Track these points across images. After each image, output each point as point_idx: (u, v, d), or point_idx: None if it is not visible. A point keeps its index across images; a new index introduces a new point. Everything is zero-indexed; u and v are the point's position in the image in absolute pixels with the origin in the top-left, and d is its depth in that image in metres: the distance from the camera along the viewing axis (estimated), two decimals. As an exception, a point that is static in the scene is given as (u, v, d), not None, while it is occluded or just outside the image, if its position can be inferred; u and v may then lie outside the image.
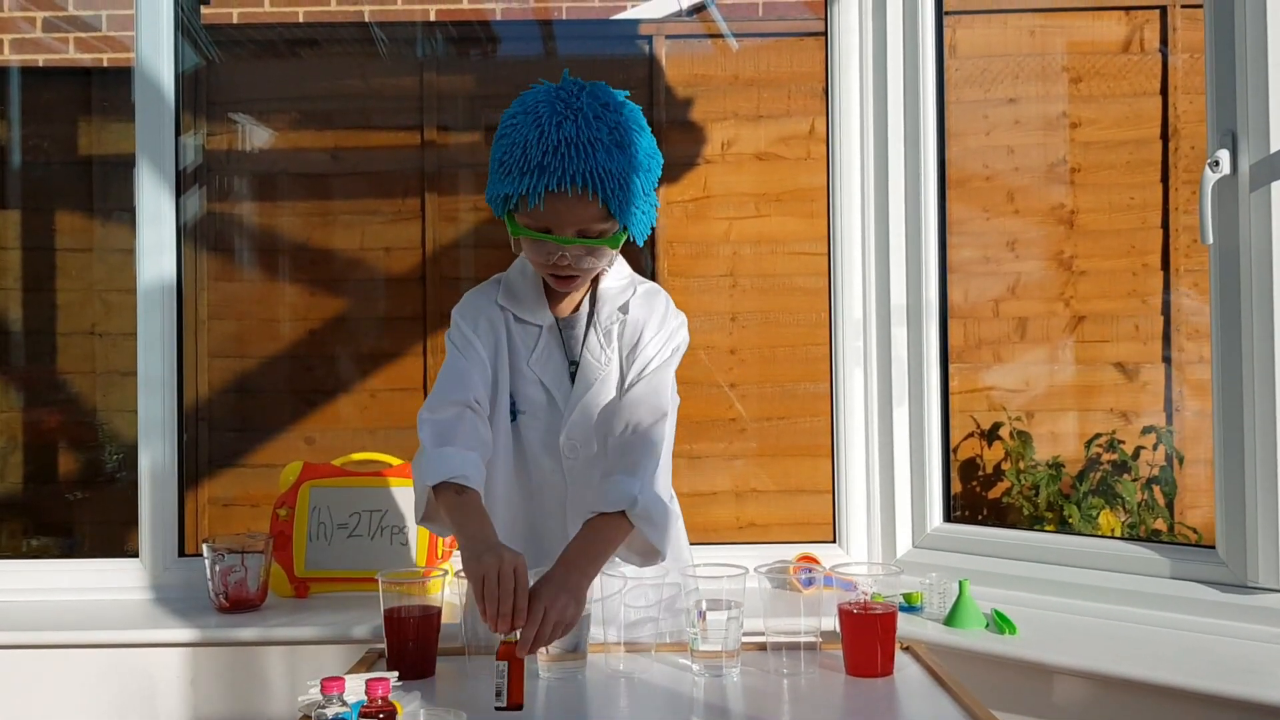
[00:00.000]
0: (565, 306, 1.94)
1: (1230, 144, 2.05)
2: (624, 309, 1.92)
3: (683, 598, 1.79)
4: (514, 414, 1.92)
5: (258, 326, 3.36)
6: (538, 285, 1.92)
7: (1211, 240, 2.07)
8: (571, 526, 1.88)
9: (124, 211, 3.10)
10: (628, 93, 1.84)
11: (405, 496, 2.56)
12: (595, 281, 1.94)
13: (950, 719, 1.60)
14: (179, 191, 2.69)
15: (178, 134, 2.68)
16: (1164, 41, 3.40)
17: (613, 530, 1.76)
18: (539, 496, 1.94)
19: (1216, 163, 2.04)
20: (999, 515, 3.35)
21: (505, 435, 1.92)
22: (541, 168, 1.72)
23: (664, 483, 1.89)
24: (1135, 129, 3.38)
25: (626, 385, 1.89)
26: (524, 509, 1.95)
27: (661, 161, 1.86)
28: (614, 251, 1.88)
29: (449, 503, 1.75)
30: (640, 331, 1.91)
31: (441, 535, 1.83)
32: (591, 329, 1.93)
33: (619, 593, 1.81)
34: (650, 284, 1.99)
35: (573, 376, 1.92)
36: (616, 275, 1.95)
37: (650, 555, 1.82)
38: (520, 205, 1.77)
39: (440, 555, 2.52)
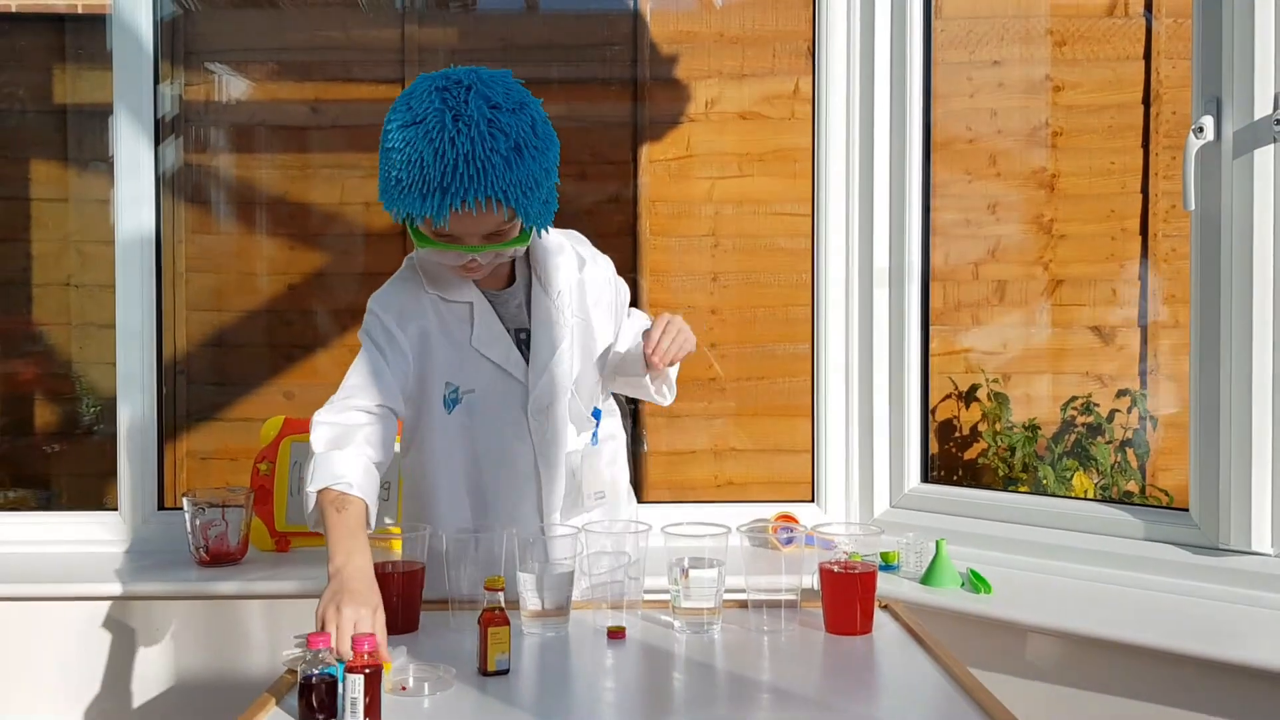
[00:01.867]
0: (490, 281, 1.94)
1: (1214, 110, 2.05)
2: (580, 269, 1.99)
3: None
4: (458, 398, 1.91)
5: (236, 280, 3.34)
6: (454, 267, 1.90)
7: (1194, 206, 2.08)
8: (545, 489, 1.93)
9: (100, 161, 3.06)
10: (509, 72, 1.80)
11: (386, 452, 2.56)
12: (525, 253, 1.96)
13: (928, 676, 1.62)
14: (156, 142, 2.65)
15: (157, 83, 2.65)
16: (1148, 6, 3.39)
17: None
18: (500, 470, 1.94)
19: (1200, 129, 2.05)
20: (974, 476, 3.38)
21: (446, 422, 1.91)
22: (443, 189, 1.69)
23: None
24: (1117, 93, 3.38)
25: (603, 332, 2.01)
26: (480, 488, 1.95)
27: (555, 137, 1.82)
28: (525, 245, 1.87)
29: (328, 517, 1.70)
30: (589, 290, 2.00)
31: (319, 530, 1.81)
32: (537, 294, 1.94)
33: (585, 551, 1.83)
34: (569, 234, 2.04)
35: (521, 345, 1.93)
36: (543, 245, 1.95)
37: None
38: (437, 225, 1.75)
39: (421, 511, 2.53)
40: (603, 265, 2.06)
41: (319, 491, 1.74)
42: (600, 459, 2.00)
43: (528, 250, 1.95)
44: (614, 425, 2.11)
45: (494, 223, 1.76)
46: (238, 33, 3.42)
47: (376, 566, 1.79)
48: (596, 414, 2.02)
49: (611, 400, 2.13)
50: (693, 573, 1.77)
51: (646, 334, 1.90)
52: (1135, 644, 1.93)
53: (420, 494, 1.98)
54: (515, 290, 1.95)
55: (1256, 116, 2.01)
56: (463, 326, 1.91)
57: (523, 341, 1.93)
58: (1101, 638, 1.97)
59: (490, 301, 1.93)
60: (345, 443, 1.78)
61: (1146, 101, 3.36)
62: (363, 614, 1.57)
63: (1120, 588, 2.17)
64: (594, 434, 2.01)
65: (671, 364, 1.92)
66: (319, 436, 1.80)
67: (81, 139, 3.33)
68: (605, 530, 1.86)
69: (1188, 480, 2.15)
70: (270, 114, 3.36)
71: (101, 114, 2.70)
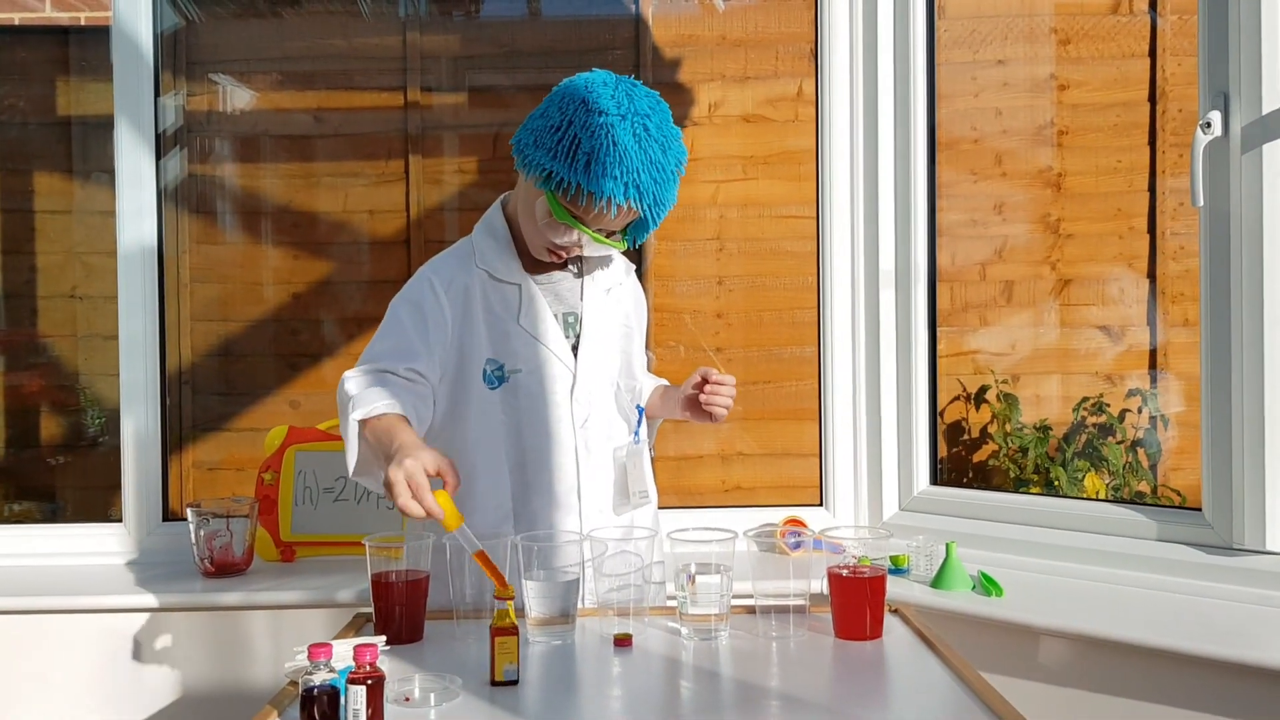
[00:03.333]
0: (539, 266, 1.98)
1: (1222, 105, 2.03)
2: (621, 274, 2.05)
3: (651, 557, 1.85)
4: (504, 376, 1.92)
5: (241, 290, 3.33)
6: (510, 246, 1.97)
7: (1202, 202, 2.06)
8: (585, 477, 1.94)
9: (103, 173, 3.05)
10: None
11: (391, 461, 2.55)
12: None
13: (939, 680, 1.60)
14: (159, 154, 2.65)
15: (157, 95, 2.64)
16: (1152, 4, 3.37)
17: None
18: (543, 452, 1.94)
19: (1208, 124, 2.03)
20: (984, 478, 3.35)
21: (489, 398, 1.92)
22: (635, 184, 1.80)
23: None
24: (1123, 91, 3.36)
25: (640, 351, 2.10)
26: (522, 469, 1.94)
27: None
28: None
29: (369, 433, 1.75)
30: (634, 306, 2.09)
31: (374, 488, 1.83)
32: (589, 285, 2.00)
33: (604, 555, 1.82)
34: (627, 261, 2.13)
35: (567, 328, 1.96)
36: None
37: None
38: (577, 197, 1.82)
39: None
40: (638, 286, 2.15)
41: (360, 423, 1.77)
42: (643, 458, 2.05)
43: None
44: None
45: (621, 224, 1.89)
46: (240, 43, 3.41)
47: (379, 576, 1.78)
48: (640, 410, 2.06)
49: None
50: (699, 579, 1.75)
51: (705, 378, 1.99)
52: (1149, 646, 1.91)
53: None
54: (565, 276, 1.99)
55: (1265, 111, 1.99)
56: (509, 305, 1.94)
57: (569, 325, 1.97)
58: (1115, 639, 1.95)
59: (541, 283, 1.97)
60: (381, 383, 1.81)
61: (1153, 99, 3.33)
62: (423, 457, 1.63)
63: (1133, 589, 2.15)
64: (636, 432, 2.04)
65: (718, 417, 2.01)
66: (352, 384, 1.82)
67: (85, 151, 3.33)
68: (612, 537, 1.84)
69: (1199, 481, 2.13)
70: (273, 123, 3.35)
71: (105, 126, 2.69)
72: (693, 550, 1.77)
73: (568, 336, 1.96)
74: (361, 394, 1.78)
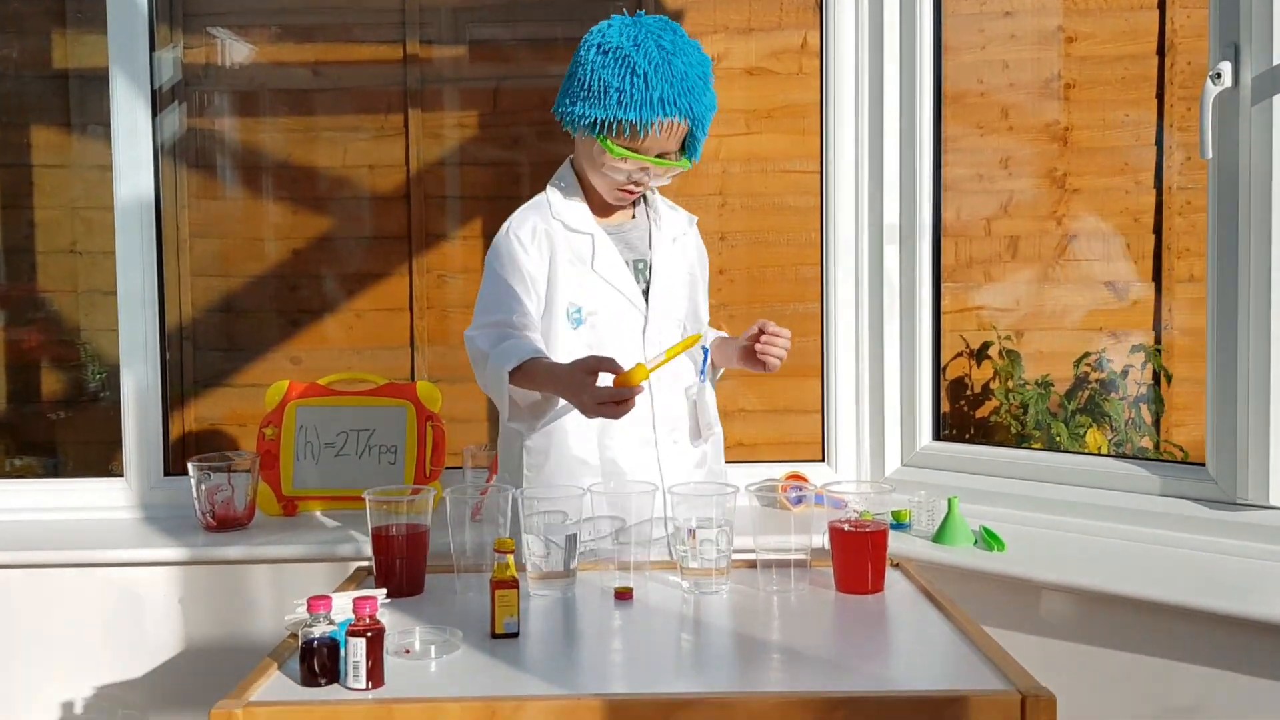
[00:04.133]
0: (608, 216, 2.11)
1: (1232, 56, 2.00)
2: (687, 224, 2.18)
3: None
4: (581, 319, 2.04)
5: (241, 245, 3.31)
6: (581, 198, 2.09)
7: (1211, 154, 2.03)
8: (659, 413, 2.04)
9: (100, 126, 3.03)
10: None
11: (393, 416, 2.54)
12: (645, 196, 2.15)
13: (941, 634, 1.60)
14: (157, 107, 2.62)
15: (152, 48, 2.61)
16: (1162, -46, 3.32)
17: None
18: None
19: (1218, 75, 2.00)
20: (986, 434, 3.35)
21: (571, 339, 2.03)
22: (662, 100, 1.92)
23: None
24: (1131, 44, 3.31)
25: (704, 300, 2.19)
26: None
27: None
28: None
29: (523, 380, 1.89)
30: (693, 248, 2.20)
31: (530, 429, 2.00)
32: (656, 234, 2.11)
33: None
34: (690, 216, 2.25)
35: (637, 274, 2.08)
36: (660, 195, 2.18)
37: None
38: (622, 131, 1.95)
39: (428, 474, 2.51)
40: (700, 239, 2.25)
41: (511, 373, 1.89)
42: (709, 393, 2.15)
43: (646, 197, 2.15)
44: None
45: (675, 140, 1.98)
46: (237, -5, 3.38)
47: (379, 529, 1.78)
48: (705, 351, 2.14)
49: None
50: (700, 533, 1.75)
51: (762, 329, 2.06)
52: (1151, 600, 1.91)
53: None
54: (636, 225, 2.13)
55: (1276, 62, 1.96)
56: (584, 253, 2.06)
57: (639, 271, 2.08)
58: (1117, 594, 1.95)
59: (611, 232, 2.09)
60: (508, 336, 1.96)
61: (1161, 52, 3.29)
62: (581, 380, 1.78)
63: (1136, 544, 2.15)
64: (703, 372, 2.14)
65: (772, 367, 2.07)
66: (479, 343, 1.97)
67: (82, 105, 3.29)
68: (612, 491, 1.84)
69: (1202, 436, 2.12)
70: (272, 77, 3.32)
71: (101, 79, 2.67)
72: (693, 504, 1.77)
73: (638, 281, 2.07)
74: (496, 349, 1.92)
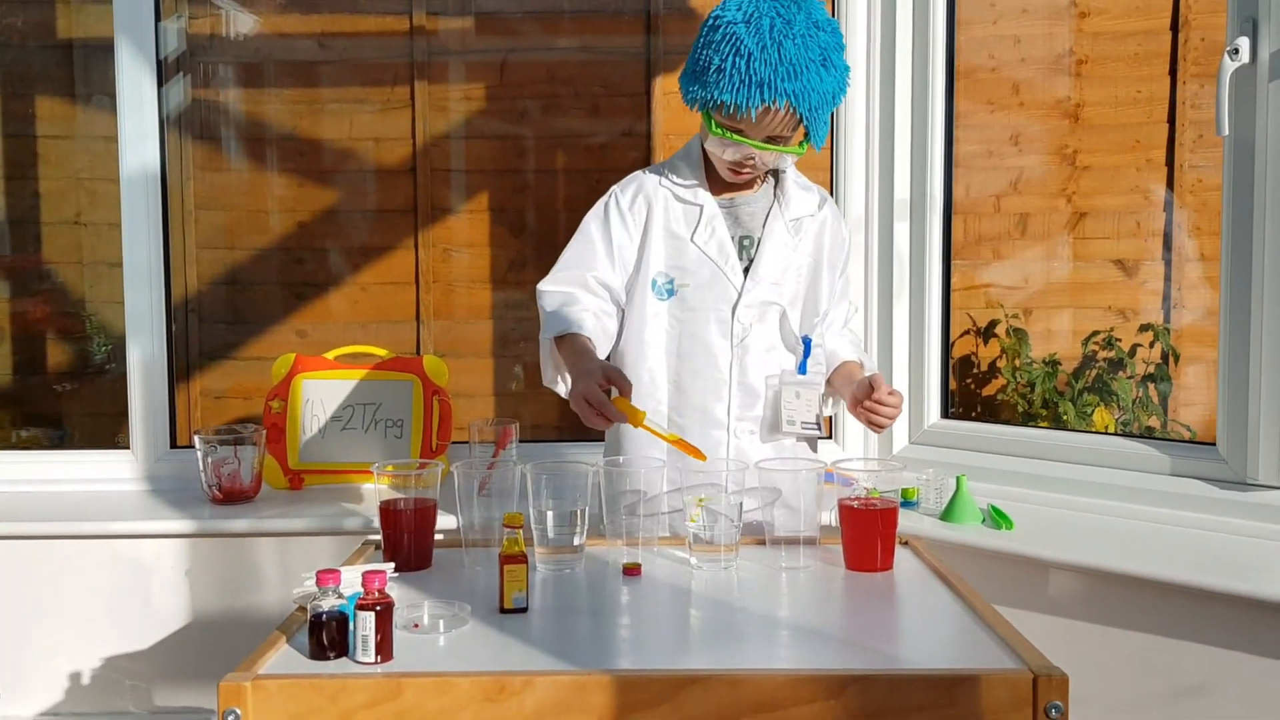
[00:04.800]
0: (727, 189, 2.04)
1: (1250, 31, 1.98)
2: (817, 205, 2.07)
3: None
4: (673, 289, 2.01)
5: (246, 218, 3.30)
6: (700, 170, 2.04)
7: (1227, 131, 2.01)
8: (736, 396, 2.00)
9: (105, 96, 3.01)
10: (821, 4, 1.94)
11: (399, 390, 2.54)
12: (776, 172, 2.06)
13: (950, 611, 1.60)
14: (162, 78, 2.60)
15: (158, 17, 2.59)
16: (1177, -71, 3.28)
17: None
18: (699, 366, 2.01)
19: (1236, 50, 1.98)
20: (993, 412, 3.34)
21: (657, 309, 2.01)
22: (761, 84, 1.84)
23: None
24: (1145, 19, 3.28)
25: (830, 290, 2.08)
26: (679, 381, 2.02)
27: (847, 66, 1.95)
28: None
29: (560, 352, 1.92)
30: (833, 240, 2.08)
31: (564, 394, 1.97)
32: (775, 213, 2.03)
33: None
34: (823, 190, 2.13)
35: (743, 252, 2.02)
36: (796, 174, 2.08)
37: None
38: (722, 110, 1.89)
39: (434, 448, 2.50)
40: (843, 229, 2.14)
41: (553, 340, 1.93)
42: (798, 392, 2.02)
43: (778, 172, 2.06)
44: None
45: (784, 125, 1.90)
46: (242, -35, 3.35)
47: (387, 503, 1.78)
48: (807, 342, 2.04)
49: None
50: (710, 508, 1.74)
51: (873, 386, 1.93)
52: (1160, 579, 1.90)
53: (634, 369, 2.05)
54: (757, 198, 2.05)
55: (1294, 37, 1.94)
56: (689, 223, 2.02)
57: (745, 248, 2.02)
58: (1125, 573, 1.94)
59: (724, 206, 2.03)
60: (571, 302, 1.97)
61: (1175, 28, 3.26)
62: (594, 375, 1.77)
63: (1145, 523, 2.14)
64: (803, 363, 2.04)
65: (877, 429, 1.96)
66: (549, 300, 1.99)
67: (88, 75, 3.28)
68: (624, 467, 1.84)
69: (1209, 416, 2.11)
70: (277, 48, 3.29)
71: (106, 49, 2.65)
72: (705, 480, 1.76)
73: (741, 259, 2.01)
74: (552, 314, 1.95)
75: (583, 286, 1.99)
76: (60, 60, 3.30)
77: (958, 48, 2.55)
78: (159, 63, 2.60)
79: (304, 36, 3.27)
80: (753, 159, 1.94)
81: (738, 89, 1.85)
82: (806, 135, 1.93)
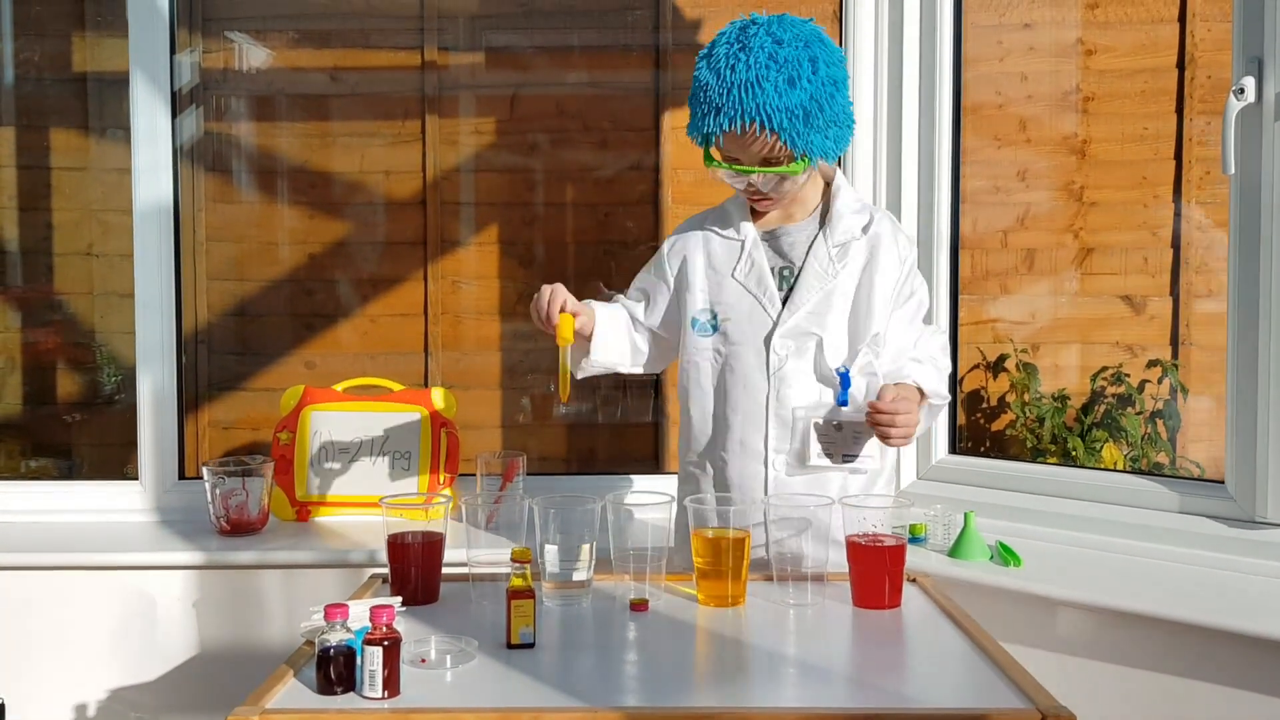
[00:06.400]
0: (773, 218, 2.07)
1: (1256, 71, 1.99)
2: (865, 229, 2.03)
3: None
4: (716, 325, 2.03)
5: (257, 249, 3.31)
6: (744, 204, 2.07)
7: (1233, 170, 2.02)
8: (773, 428, 1.98)
9: (120, 129, 3.03)
10: (811, 20, 1.95)
11: (407, 421, 2.54)
12: (828, 197, 2.06)
13: (958, 650, 1.59)
14: (175, 111, 2.63)
15: (173, 51, 2.62)
16: (1183, -33, 3.31)
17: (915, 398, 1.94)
18: (739, 399, 2.01)
19: (1241, 90, 1.99)
20: (1001, 447, 3.33)
21: (701, 344, 2.05)
22: (718, 109, 1.88)
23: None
24: (1151, 57, 3.30)
25: (899, 306, 2.03)
26: (722, 414, 2.03)
27: (846, 79, 1.96)
28: (805, 174, 1.98)
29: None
30: (881, 253, 2.01)
31: (592, 372, 2.11)
32: (821, 240, 2.02)
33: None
34: (886, 212, 2.10)
35: (782, 282, 2.02)
36: (847, 198, 2.05)
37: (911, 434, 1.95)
38: (707, 141, 1.94)
39: (442, 481, 2.51)
40: (903, 245, 2.05)
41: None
42: (843, 423, 1.98)
43: (828, 198, 2.06)
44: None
45: (762, 146, 1.90)
46: (255, 0, 3.38)
47: (395, 536, 1.78)
48: (842, 375, 1.98)
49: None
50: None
51: (881, 391, 1.92)
52: (1169, 619, 1.89)
53: (682, 415, 2.11)
54: (802, 226, 2.05)
55: (1300, 77, 1.95)
56: (730, 259, 2.05)
57: (785, 278, 2.03)
58: (1134, 612, 1.93)
59: (767, 238, 2.05)
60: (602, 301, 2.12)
61: (1181, 65, 3.28)
62: (568, 294, 1.94)
63: (1154, 561, 2.13)
64: (842, 396, 1.98)
65: (887, 438, 1.91)
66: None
67: (102, 107, 3.30)
68: (633, 504, 1.84)
69: (1219, 452, 2.11)
70: (289, 82, 3.32)
71: (120, 82, 2.67)
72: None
73: (780, 289, 2.02)
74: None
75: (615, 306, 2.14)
76: (75, 93, 3.33)
77: (964, 84, 2.57)
78: (173, 95, 2.63)
79: (316, 70, 3.30)
80: (754, 185, 1.96)
81: (702, 119, 1.90)
82: (803, 156, 1.92)
